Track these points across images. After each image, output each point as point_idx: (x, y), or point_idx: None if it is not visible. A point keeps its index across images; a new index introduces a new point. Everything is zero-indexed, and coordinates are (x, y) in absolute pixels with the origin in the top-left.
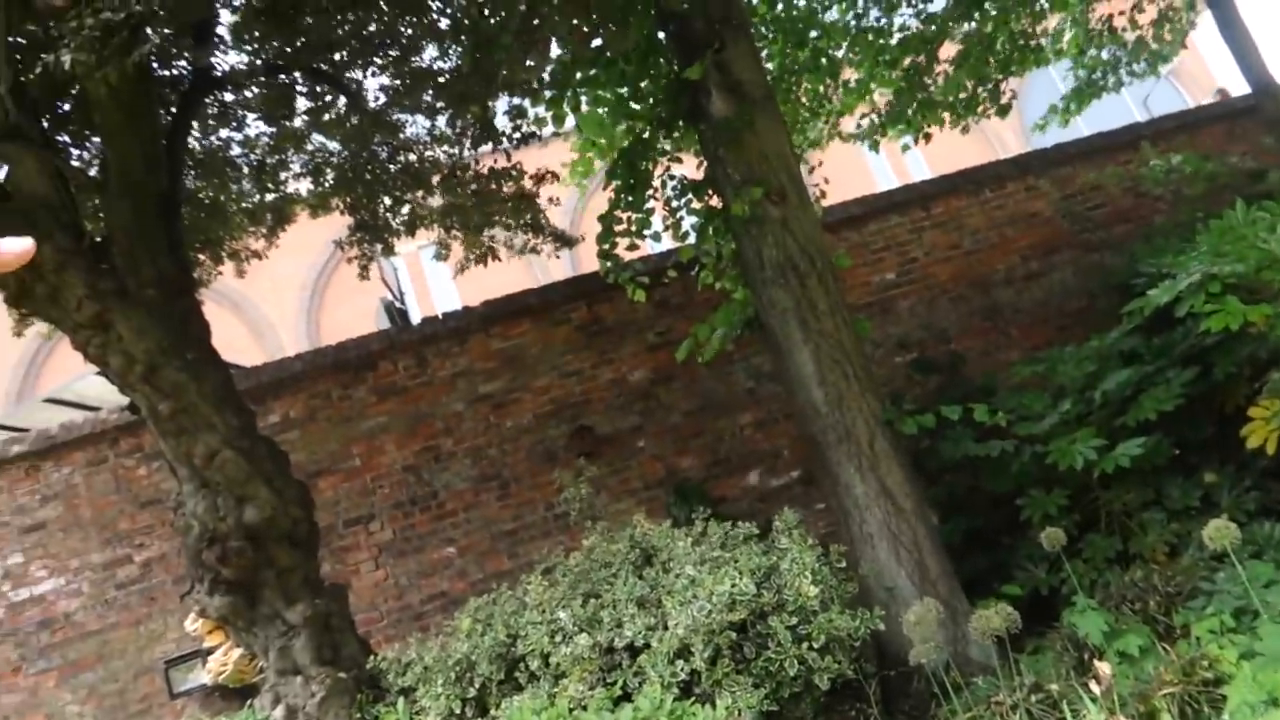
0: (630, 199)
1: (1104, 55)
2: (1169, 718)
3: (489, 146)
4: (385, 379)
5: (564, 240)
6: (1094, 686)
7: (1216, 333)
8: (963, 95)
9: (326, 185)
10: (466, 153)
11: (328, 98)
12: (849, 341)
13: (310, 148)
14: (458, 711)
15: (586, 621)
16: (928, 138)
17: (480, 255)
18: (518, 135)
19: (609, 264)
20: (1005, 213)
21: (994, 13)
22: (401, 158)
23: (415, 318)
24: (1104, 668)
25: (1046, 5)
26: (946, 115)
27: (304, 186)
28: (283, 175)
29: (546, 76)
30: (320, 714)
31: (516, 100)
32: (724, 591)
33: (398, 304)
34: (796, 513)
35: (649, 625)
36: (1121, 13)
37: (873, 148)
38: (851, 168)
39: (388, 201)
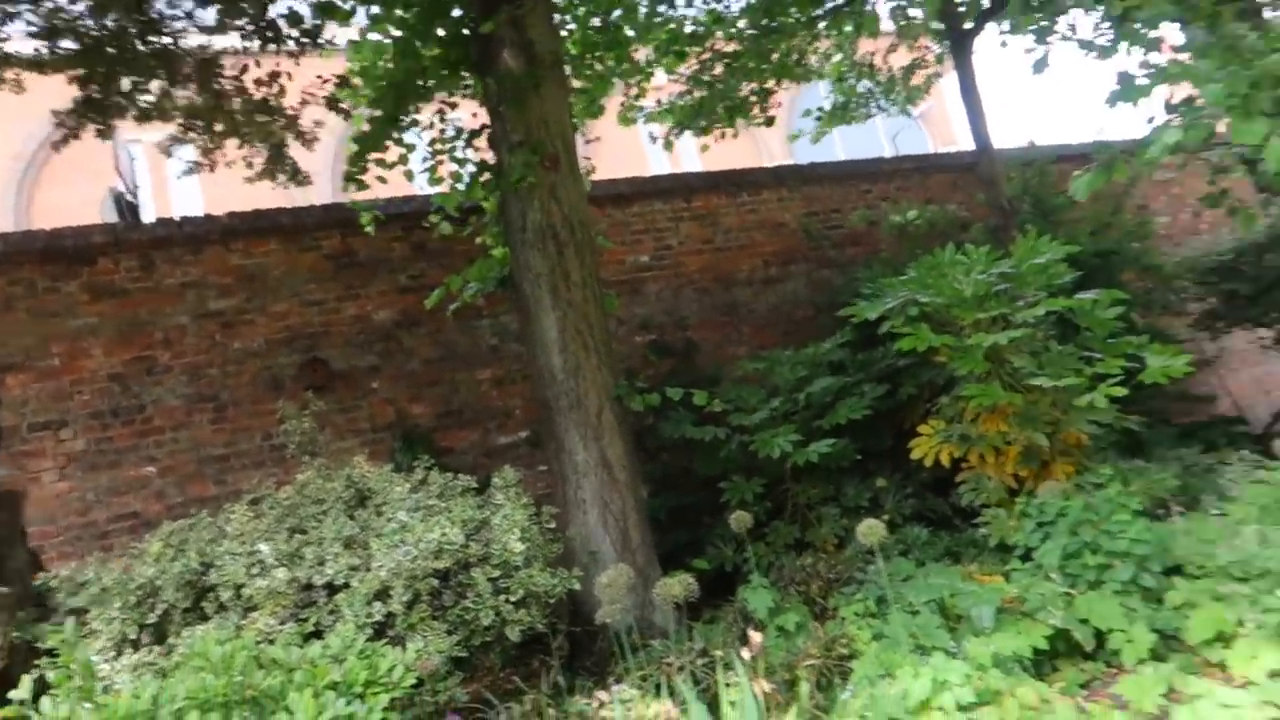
0: (393, 131)
1: (860, 87)
2: (806, 685)
3: (257, 49)
4: (103, 277)
5: (296, 175)
6: (745, 653)
7: (907, 356)
8: (737, 97)
9: (58, 53)
10: (233, 51)
11: None
12: (595, 315)
13: (49, 4)
14: (132, 637)
15: (288, 557)
16: (706, 132)
17: (210, 163)
18: (292, 38)
19: (352, 188)
20: (757, 218)
21: (775, 24)
22: (156, 39)
23: (148, 216)
24: (756, 637)
25: (823, 28)
26: (719, 116)
27: (33, 46)
28: (4, 30)
29: None
30: None
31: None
32: (432, 539)
33: (129, 197)
34: (518, 472)
35: (352, 565)
36: (876, 52)
37: (652, 137)
38: (628, 145)
39: (126, 84)
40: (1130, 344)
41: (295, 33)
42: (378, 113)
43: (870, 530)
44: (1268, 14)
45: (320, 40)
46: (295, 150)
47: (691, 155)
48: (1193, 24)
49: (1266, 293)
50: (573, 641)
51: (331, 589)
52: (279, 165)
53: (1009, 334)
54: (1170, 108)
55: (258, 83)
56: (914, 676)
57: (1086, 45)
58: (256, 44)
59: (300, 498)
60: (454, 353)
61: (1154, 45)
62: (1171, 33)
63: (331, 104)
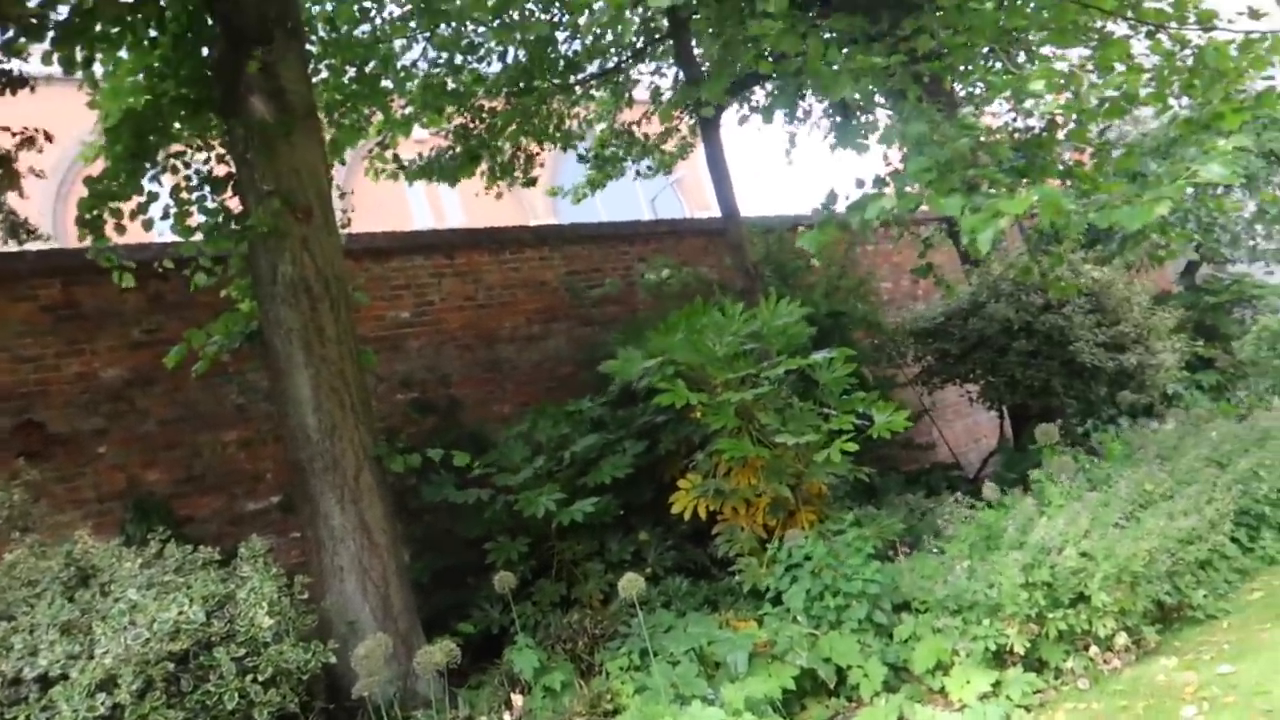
0: (126, 173)
1: (619, 151)
2: None
3: None
4: None
5: (16, 232)
6: (508, 717)
7: (665, 412)
8: (500, 160)
9: None
10: None
11: None
12: (351, 371)
13: None
14: None
15: None
16: (454, 182)
17: None
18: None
19: (92, 238)
20: (519, 275)
21: (532, 87)
22: None
23: None
24: (517, 700)
25: (580, 92)
26: (483, 172)
27: None
28: None
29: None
30: None
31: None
32: (168, 619)
33: None
34: (268, 540)
35: (71, 654)
36: (635, 122)
37: (409, 181)
38: (389, 197)
39: None
40: (860, 400)
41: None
42: (113, 151)
43: (630, 584)
44: (962, 110)
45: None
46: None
47: (455, 210)
48: (900, 109)
49: (971, 352)
50: (331, 718)
51: (46, 682)
52: None
53: (755, 391)
54: (879, 180)
55: None
56: None
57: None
58: None
59: (8, 580)
60: (196, 413)
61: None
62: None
63: (48, 137)
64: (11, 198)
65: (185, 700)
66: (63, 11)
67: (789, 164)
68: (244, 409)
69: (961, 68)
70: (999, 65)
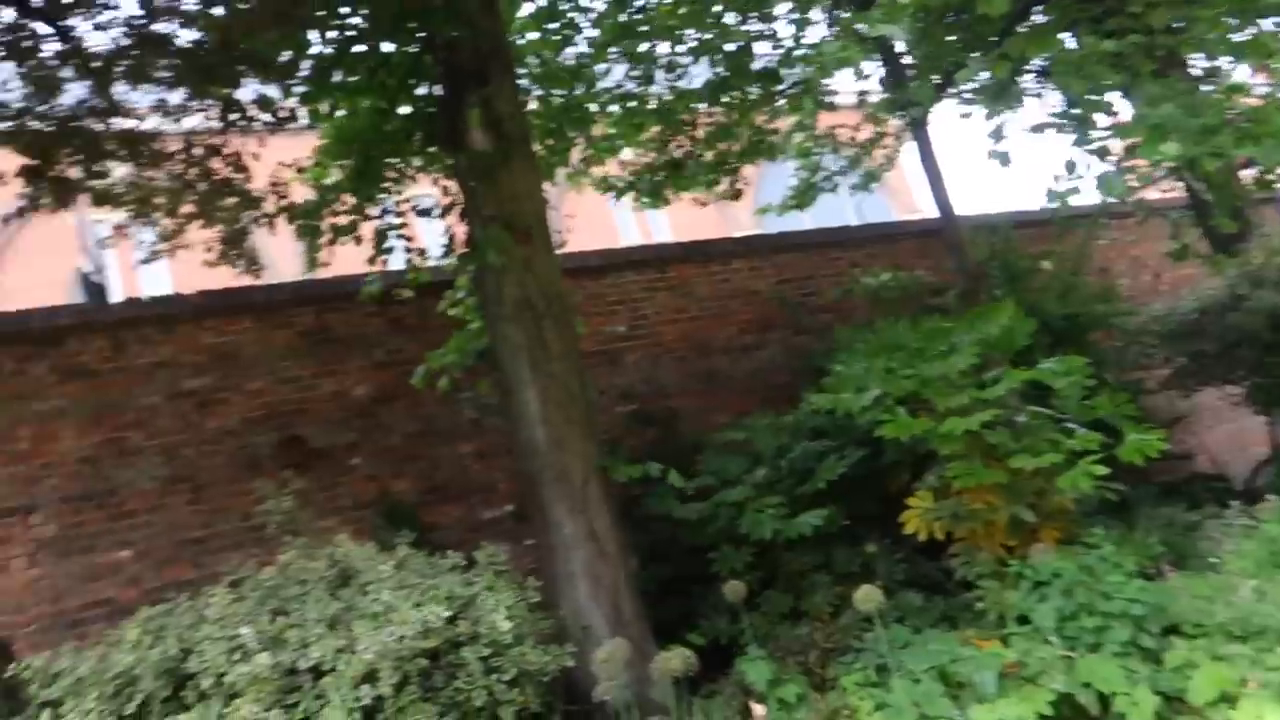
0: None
1: (825, 161)
2: None
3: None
4: (72, 359)
5: (253, 265)
6: None
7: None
8: (707, 177)
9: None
10: (198, 132)
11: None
12: (575, 385)
13: None
14: None
15: (271, 640)
16: (666, 202)
17: (171, 249)
18: (261, 121)
19: (306, 245)
20: (730, 286)
21: (737, 103)
22: (114, 121)
23: (117, 295)
24: (759, 710)
25: (784, 104)
26: (685, 192)
27: None
28: None
29: (304, 69)
30: None
31: (263, 86)
32: (419, 619)
33: (96, 277)
34: (504, 547)
35: (338, 648)
36: (843, 126)
37: (617, 196)
38: (598, 216)
39: (78, 168)
40: (1102, 406)
41: (265, 116)
42: (338, 179)
43: (867, 597)
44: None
45: (287, 120)
46: (261, 235)
47: (662, 227)
48: (1135, 89)
49: (1231, 350)
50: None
51: (317, 673)
52: (238, 251)
53: (980, 417)
54: (1129, 151)
55: (224, 164)
56: None
57: (1039, 128)
58: (220, 125)
59: (283, 579)
60: (434, 427)
61: (1104, 107)
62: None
63: (300, 172)
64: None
65: (438, 696)
66: (304, 66)
67: (1002, 159)
68: (478, 423)
69: (1204, 37)
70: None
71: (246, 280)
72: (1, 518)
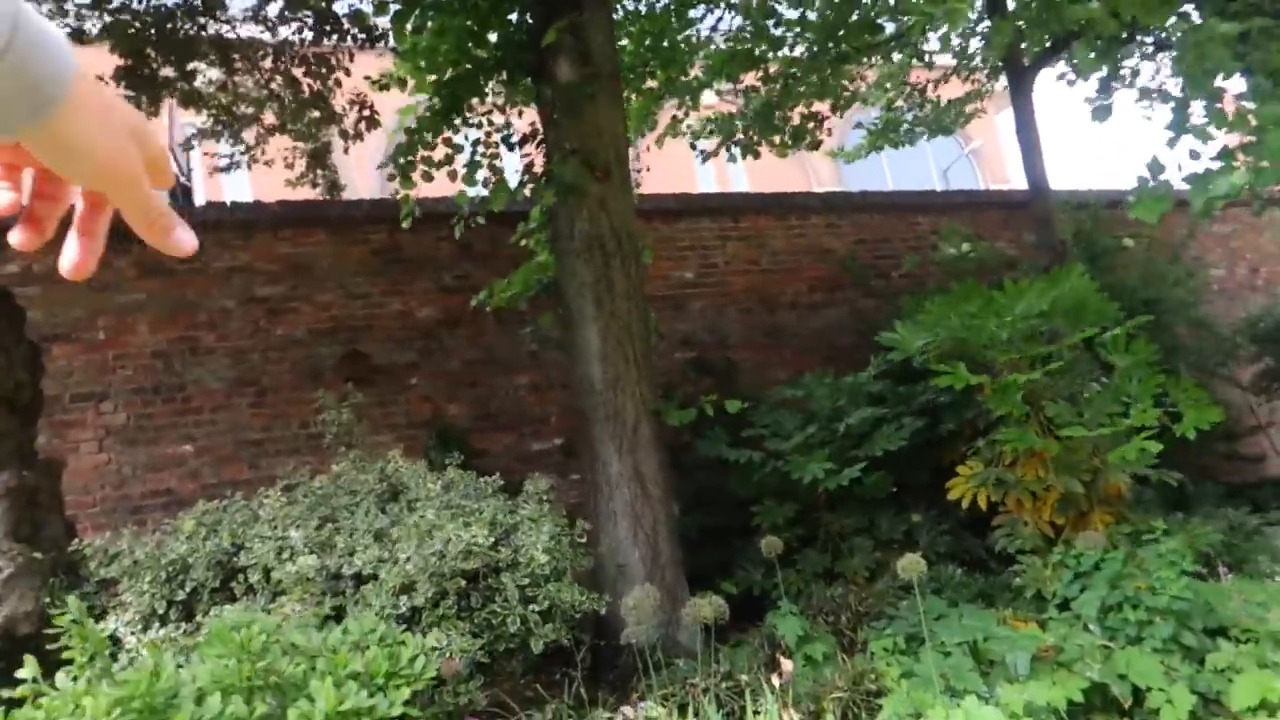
0: (437, 126)
1: (909, 114)
2: (832, 718)
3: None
4: (151, 255)
5: (334, 188)
6: (775, 680)
7: (948, 391)
8: (789, 125)
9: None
10: (290, 43)
11: None
12: (637, 327)
13: None
14: (160, 612)
15: (319, 545)
16: (756, 154)
17: (251, 158)
18: (352, 34)
19: (400, 182)
20: (805, 242)
21: (835, 52)
22: (209, 22)
23: (199, 199)
24: (787, 664)
25: (880, 58)
26: (769, 141)
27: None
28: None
29: None
30: (5, 592)
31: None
32: (462, 539)
33: (182, 179)
34: (550, 479)
35: (381, 558)
36: (933, 82)
37: (703, 158)
38: (676, 160)
39: (168, 69)
40: (1160, 381)
41: (356, 29)
42: (431, 106)
43: (911, 565)
44: None
45: (379, 38)
46: (338, 154)
47: (739, 176)
48: (1258, 75)
49: None
50: (596, 655)
51: (359, 579)
52: (320, 169)
53: (1044, 370)
54: (1227, 153)
55: (310, 74)
56: (944, 718)
57: (1147, 93)
58: (312, 36)
59: (334, 487)
60: (493, 356)
61: (1216, 94)
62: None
63: (383, 88)
64: (343, 159)
65: (474, 615)
66: None
67: (1101, 114)
68: (535, 355)
69: None
70: None
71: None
72: (75, 403)
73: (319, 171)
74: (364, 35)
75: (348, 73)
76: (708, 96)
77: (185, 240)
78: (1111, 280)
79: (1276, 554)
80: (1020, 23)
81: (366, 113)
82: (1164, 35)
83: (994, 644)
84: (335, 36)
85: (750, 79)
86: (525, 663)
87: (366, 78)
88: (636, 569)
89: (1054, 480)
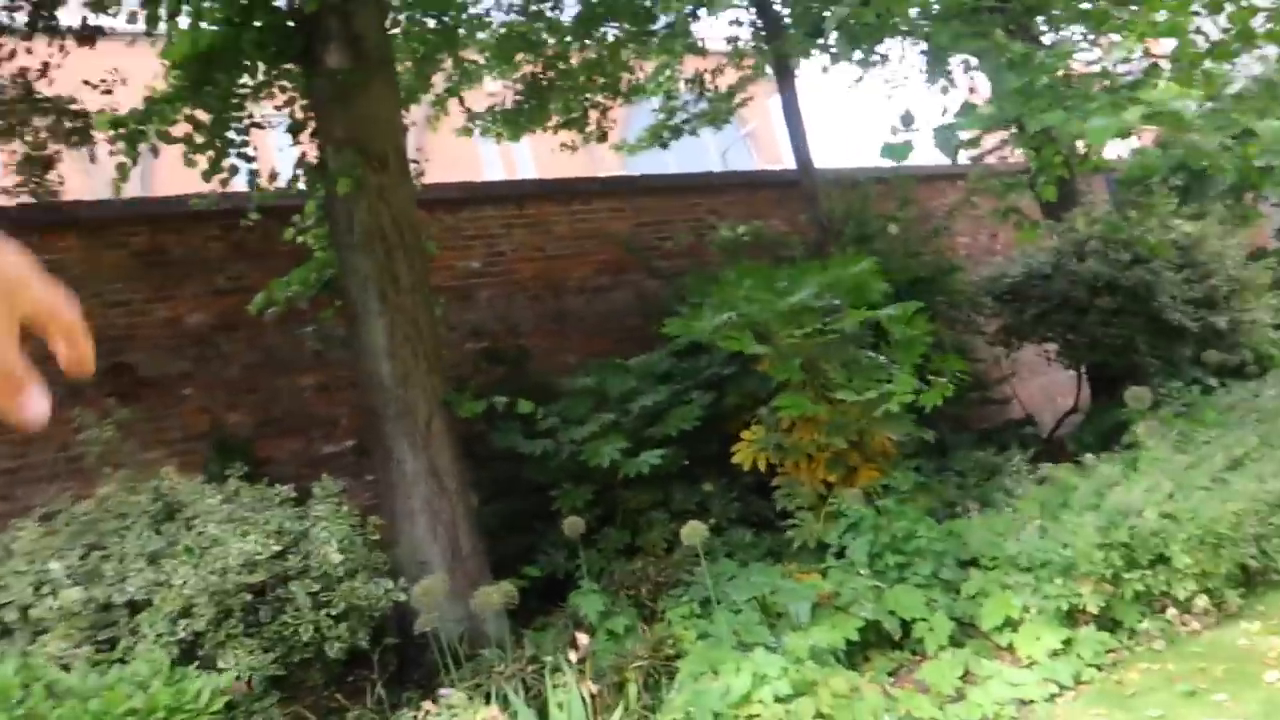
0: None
1: (687, 104)
2: (634, 686)
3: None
4: None
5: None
6: (573, 656)
7: (732, 364)
8: (571, 113)
9: None
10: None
11: None
12: (424, 320)
13: None
14: None
15: (84, 575)
16: (524, 132)
17: None
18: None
19: (125, 153)
20: (589, 227)
21: (609, 39)
22: None
23: None
24: (583, 640)
25: (655, 43)
26: (552, 126)
27: None
28: None
29: None
30: None
31: None
32: (245, 552)
33: None
34: (344, 482)
35: (156, 581)
36: (708, 71)
37: (483, 132)
38: (461, 150)
39: None
40: (923, 352)
41: (89, 17)
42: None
43: (693, 532)
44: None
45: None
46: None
47: (527, 165)
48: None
49: (1051, 313)
50: (402, 656)
51: (133, 607)
52: (36, 170)
53: (820, 340)
54: (969, 106)
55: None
56: (735, 672)
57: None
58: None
59: (101, 512)
60: (275, 358)
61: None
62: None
63: (108, 92)
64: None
65: (262, 630)
66: None
67: (857, 99)
68: (321, 355)
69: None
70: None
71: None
72: None
73: (35, 179)
74: (90, 28)
75: (59, 65)
76: (492, 85)
77: (32, 409)
78: (880, 248)
79: (1012, 490)
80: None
81: (79, 122)
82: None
83: (780, 597)
84: (53, 26)
85: (527, 64)
86: (326, 672)
87: (86, 82)
88: (437, 564)
89: (827, 442)
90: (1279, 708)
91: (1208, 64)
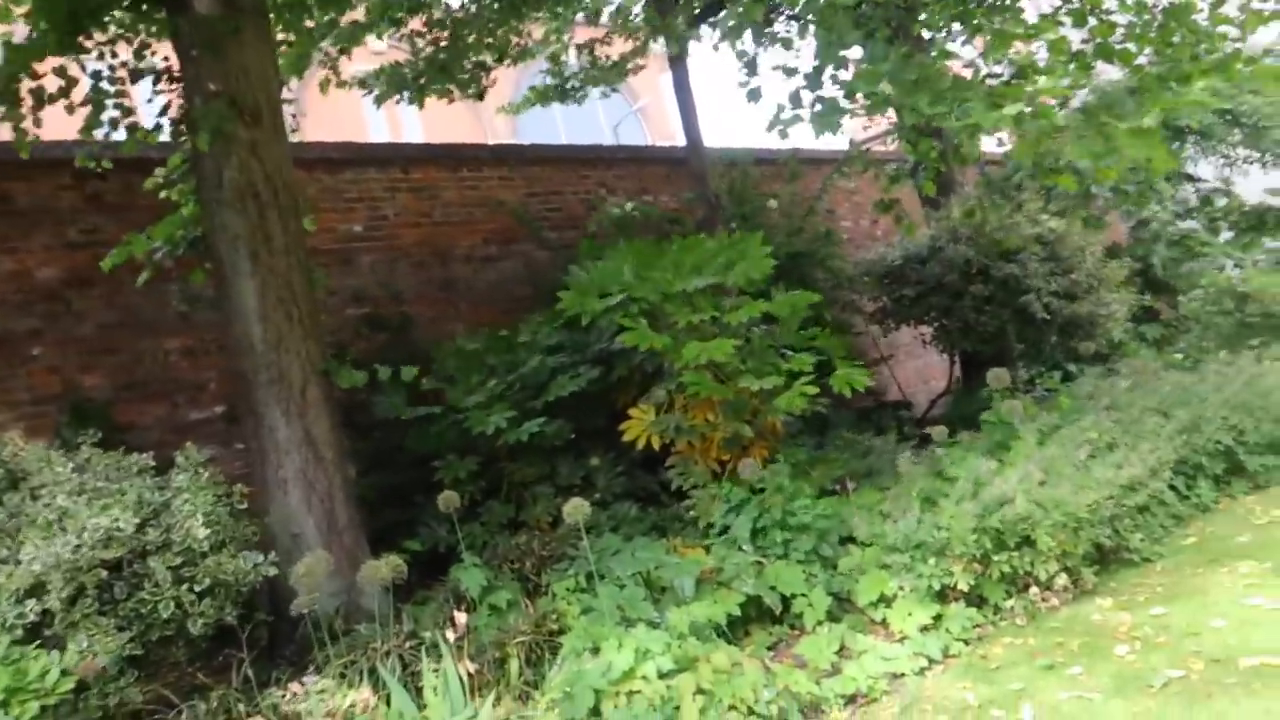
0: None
1: (573, 69)
2: (516, 662)
3: None
4: None
5: None
6: (450, 635)
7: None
8: (462, 77)
9: None
10: None
11: None
12: (299, 283)
13: None
14: None
15: None
16: (421, 104)
17: None
18: None
19: (5, 110)
20: (478, 194)
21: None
22: None
23: None
24: (461, 617)
25: (540, 14)
26: (437, 91)
27: None
28: None
29: None
30: None
31: None
32: (100, 526)
33: None
34: (212, 450)
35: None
36: (599, 41)
37: (376, 101)
38: (346, 111)
39: None
40: (817, 335)
41: None
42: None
43: (575, 509)
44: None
45: None
46: None
47: (414, 127)
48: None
49: (927, 296)
50: (273, 631)
51: None
52: None
53: (718, 344)
54: (850, 88)
55: None
56: (618, 648)
57: (788, 71)
58: None
59: None
60: (136, 319)
61: (843, 62)
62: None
63: None
64: None
65: (119, 608)
66: None
67: (752, 95)
68: (187, 316)
69: (931, 15)
70: (972, 6)
71: None
72: None
73: None
74: None
75: None
76: (377, 43)
77: None
78: (761, 224)
79: (891, 471)
80: None
81: None
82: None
83: (664, 571)
84: None
85: (416, 24)
86: (190, 649)
87: None
88: (312, 536)
89: (722, 423)
90: (1128, 680)
91: (1071, 67)
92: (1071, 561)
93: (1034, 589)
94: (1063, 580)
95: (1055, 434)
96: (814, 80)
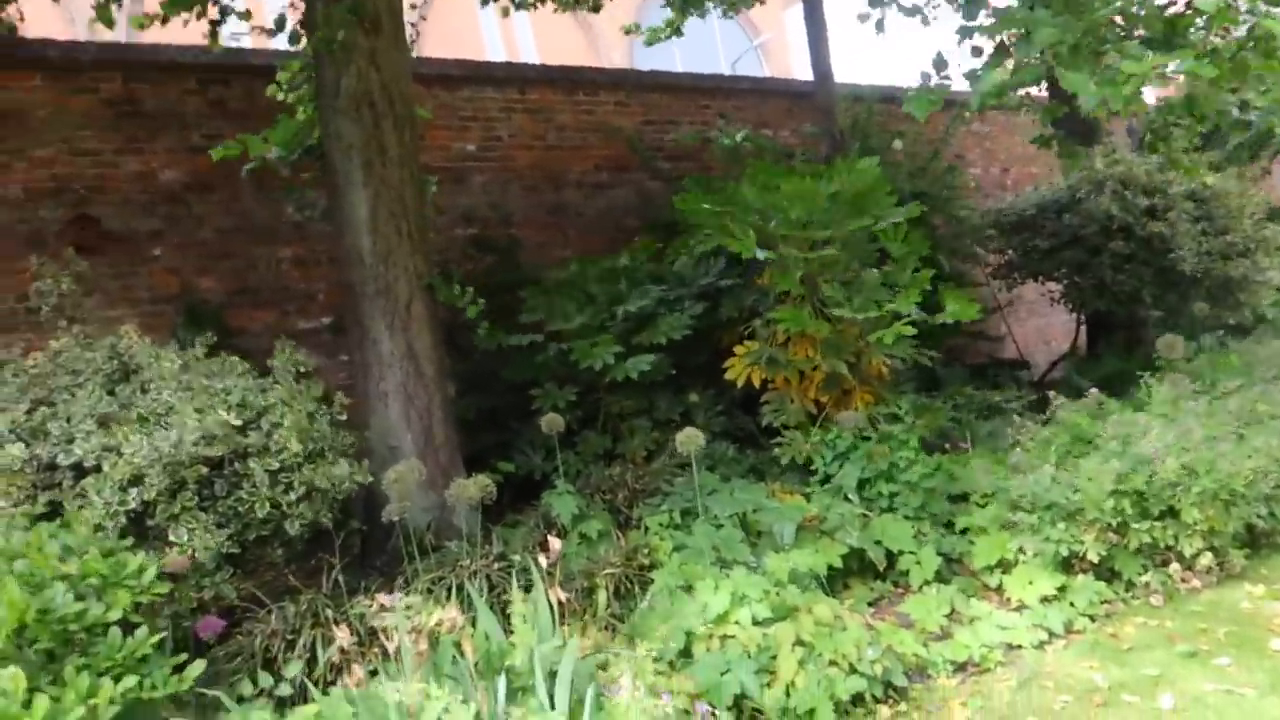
0: None
1: None
2: (605, 594)
3: None
4: None
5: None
6: (543, 559)
7: (729, 275)
8: None
9: None
10: None
11: None
12: (410, 197)
13: None
14: None
15: (29, 431)
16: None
17: None
18: None
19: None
20: (593, 120)
21: None
22: None
23: None
24: (555, 543)
25: None
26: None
27: None
28: None
29: None
30: None
31: None
32: (204, 424)
33: None
34: (318, 360)
35: (106, 446)
36: None
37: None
38: (465, 31)
39: None
40: (928, 277)
41: None
42: None
43: (689, 439)
44: None
45: None
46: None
47: (529, 49)
48: None
49: (1061, 250)
50: (366, 540)
51: (80, 471)
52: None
53: (821, 254)
54: (1001, 49)
55: None
56: (714, 590)
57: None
58: None
59: (52, 366)
60: (252, 225)
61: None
62: None
63: None
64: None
65: (217, 505)
66: None
67: (878, 30)
68: (300, 226)
69: None
70: None
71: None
72: None
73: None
74: None
75: None
76: None
77: None
78: (886, 163)
79: (1000, 431)
80: None
81: None
82: None
83: (763, 515)
84: None
85: None
86: (287, 550)
87: None
88: (409, 450)
89: (822, 361)
90: None
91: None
92: (1220, 540)
93: (1174, 566)
94: (1207, 560)
95: (1215, 403)
96: (969, 11)
